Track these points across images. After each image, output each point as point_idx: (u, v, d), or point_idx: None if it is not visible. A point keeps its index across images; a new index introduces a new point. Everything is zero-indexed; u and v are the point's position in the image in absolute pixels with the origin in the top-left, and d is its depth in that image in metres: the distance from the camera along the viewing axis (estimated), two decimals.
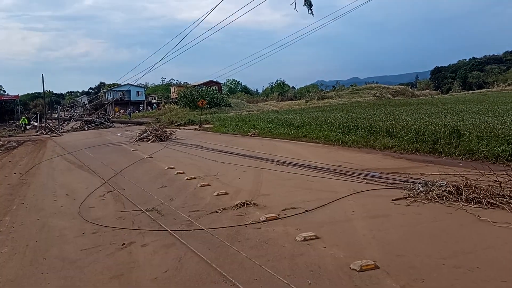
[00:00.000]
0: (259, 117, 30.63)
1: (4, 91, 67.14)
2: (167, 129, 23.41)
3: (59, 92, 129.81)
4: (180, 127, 32.26)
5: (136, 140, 21.02)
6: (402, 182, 8.14)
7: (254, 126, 24.85)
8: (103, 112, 48.80)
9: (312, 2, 11.72)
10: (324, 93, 61.16)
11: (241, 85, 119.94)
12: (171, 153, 15.97)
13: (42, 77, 43.61)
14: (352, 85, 68.57)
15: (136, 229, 6.21)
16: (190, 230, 5.99)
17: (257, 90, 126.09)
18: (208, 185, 9.16)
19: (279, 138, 19.50)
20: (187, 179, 9.99)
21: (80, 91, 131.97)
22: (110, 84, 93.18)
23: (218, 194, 8.13)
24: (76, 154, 17.46)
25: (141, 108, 74.84)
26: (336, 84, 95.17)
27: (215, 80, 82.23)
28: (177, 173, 10.86)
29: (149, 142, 20.43)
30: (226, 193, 8.20)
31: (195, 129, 29.52)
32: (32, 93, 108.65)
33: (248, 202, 7.23)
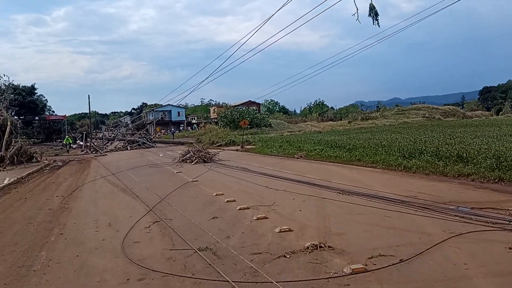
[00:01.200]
0: (303, 138, 29.35)
1: (53, 111, 69.66)
2: (210, 150, 22.57)
3: (104, 113, 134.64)
4: (221, 148, 31.50)
5: (179, 161, 20.28)
6: (508, 222, 6.61)
7: (300, 148, 23.61)
8: (145, 132, 49.15)
9: (378, 12, 10.49)
10: (368, 113, 59.11)
11: (279, 105, 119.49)
12: (216, 176, 14.97)
13: (88, 97, 44.75)
14: (397, 105, 66.10)
15: (191, 277, 5.09)
16: (257, 283, 4.80)
17: (294, 110, 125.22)
18: (265, 217, 7.98)
19: (329, 162, 18.13)
20: (240, 209, 8.86)
21: (123, 111, 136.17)
22: (152, 104, 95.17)
23: (280, 231, 6.92)
24: (119, 175, 16.86)
25: (181, 128, 75.42)
26: (378, 105, 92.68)
27: (254, 100, 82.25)
28: (228, 201, 9.77)
29: (192, 163, 19.63)
30: (290, 230, 6.98)
31: (237, 150, 28.62)
32: (79, 113, 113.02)
33: (322, 244, 5.97)
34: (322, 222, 7.48)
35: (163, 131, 71.10)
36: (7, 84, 26.56)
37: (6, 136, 23.21)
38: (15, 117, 25.64)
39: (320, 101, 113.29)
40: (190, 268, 5.46)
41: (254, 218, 7.96)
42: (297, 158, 20.78)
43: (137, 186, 13.47)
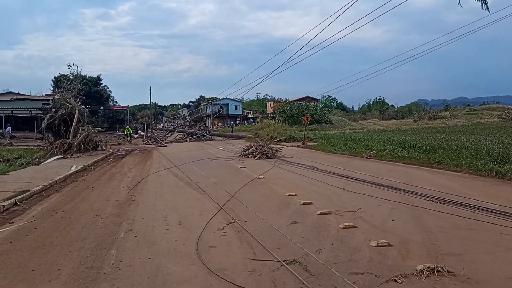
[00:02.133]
0: (369, 137, 27.67)
1: (116, 101, 72.57)
2: (272, 146, 21.72)
3: (163, 104, 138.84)
4: (281, 143, 30.61)
5: (242, 156, 19.64)
6: None
7: (368, 146, 22.12)
8: (203, 124, 49.46)
9: None
10: (436, 112, 55.40)
11: (337, 101, 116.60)
12: (284, 174, 14.07)
13: (150, 89, 45.53)
14: (468, 105, 61.56)
15: None
16: None
17: (352, 107, 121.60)
18: (353, 226, 6.94)
19: (404, 163, 16.62)
20: (321, 213, 7.88)
21: (181, 103, 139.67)
22: (209, 97, 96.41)
23: (378, 245, 5.86)
24: (182, 168, 16.50)
25: (237, 122, 75.56)
26: (445, 104, 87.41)
27: (312, 96, 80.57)
28: (304, 204, 8.82)
29: (255, 159, 18.90)
30: (389, 245, 5.90)
31: (298, 146, 27.57)
32: (139, 105, 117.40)
33: (439, 268, 4.85)
34: (426, 237, 6.31)
35: (219, 124, 71.55)
36: (75, 73, 27.33)
37: (74, 124, 23.84)
38: (82, 106, 26.25)
39: (380, 99, 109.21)
40: (280, 286, 4.58)
41: (341, 226, 6.94)
42: (366, 157, 19.39)
43: (202, 180, 12.91)
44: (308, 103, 56.29)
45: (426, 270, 4.82)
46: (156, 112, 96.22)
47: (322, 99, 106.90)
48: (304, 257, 5.43)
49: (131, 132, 43.30)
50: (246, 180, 12.64)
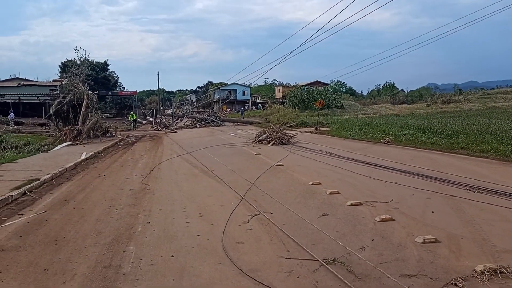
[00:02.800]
0: (384, 122, 26.94)
1: (123, 87, 71.94)
2: (286, 131, 21.08)
3: (170, 90, 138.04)
4: (292, 129, 29.93)
5: (256, 142, 19.05)
6: None
7: (385, 132, 21.41)
8: (211, 110, 48.82)
9: None
10: (450, 96, 54.18)
11: (346, 86, 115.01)
12: (302, 161, 13.47)
13: (158, 74, 44.89)
14: (482, 89, 60.20)
15: None
16: None
17: (362, 92, 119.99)
18: (391, 219, 6.35)
19: (425, 149, 15.95)
20: (352, 204, 7.29)
21: (189, 89, 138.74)
22: (217, 83, 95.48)
23: (424, 242, 5.27)
24: (195, 154, 15.97)
25: (246, 107, 74.76)
26: (455, 88, 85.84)
27: (321, 81, 79.30)
28: (331, 193, 8.24)
29: (269, 145, 18.31)
30: (437, 241, 5.32)
31: (311, 132, 26.87)
32: (146, 90, 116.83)
33: (502, 269, 4.27)
34: (474, 231, 5.71)
35: (228, 109, 70.81)
36: (83, 58, 26.72)
37: (82, 110, 23.35)
38: (90, 91, 25.70)
39: (390, 83, 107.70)
40: None
41: (377, 219, 6.35)
42: (384, 143, 18.71)
43: (218, 167, 12.37)
44: (319, 87, 55.27)
45: (488, 272, 4.24)
46: (163, 98, 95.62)
47: (332, 84, 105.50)
48: (346, 256, 4.86)
49: (135, 118, 42.44)
50: (263, 167, 12.08)
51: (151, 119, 46.60)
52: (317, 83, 74.35)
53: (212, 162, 13.68)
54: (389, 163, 12.34)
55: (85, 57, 25.69)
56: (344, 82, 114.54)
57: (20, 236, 6.08)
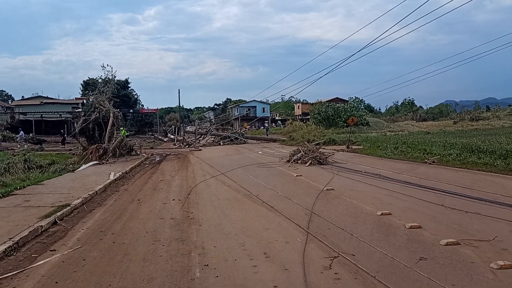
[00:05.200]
0: (420, 140, 25.45)
1: (142, 105, 72.03)
2: (322, 150, 19.86)
3: (188, 107, 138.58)
4: (321, 147, 28.65)
5: (292, 162, 17.87)
6: None
7: (426, 151, 20.00)
8: (233, 127, 47.96)
9: None
10: (477, 113, 52.31)
11: (364, 103, 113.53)
12: (352, 184, 12.21)
13: (179, 92, 44.72)
14: (509, 105, 58.17)
15: None
16: None
17: (379, 109, 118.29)
18: (510, 266, 5.07)
19: (477, 170, 14.59)
20: (448, 244, 6.03)
21: (206, 106, 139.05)
22: (236, 100, 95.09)
23: None
24: (230, 175, 14.87)
25: (266, 124, 73.89)
26: (475, 104, 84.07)
27: (341, 97, 78.10)
28: (412, 227, 6.99)
29: (307, 165, 17.10)
30: None
31: (342, 150, 25.58)
32: (165, 108, 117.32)
33: None
34: None
35: (248, 126, 70.00)
36: (109, 76, 26.13)
37: (108, 128, 22.62)
38: (116, 109, 25.02)
39: (409, 100, 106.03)
40: None
41: (494, 266, 5.08)
42: (429, 163, 17.32)
43: (261, 191, 11.22)
44: (341, 104, 54.01)
45: None
46: (183, 115, 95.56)
47: (350, 101, 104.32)
48: None
49: (127, 134, 40.84)
50: (311, 191, 10.89)
51: (172, 136, 45.93)
52: (337, 99, 73.14)
53: (251, 184, 12.56)
54: (451, 187, 11.02)
55: (112, 75, 25.00)
56: (362, 99, 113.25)
57: (56, 282, 5.02)
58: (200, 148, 32.69)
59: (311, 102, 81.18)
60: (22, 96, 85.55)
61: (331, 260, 5.52)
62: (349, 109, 45.07)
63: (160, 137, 48.58)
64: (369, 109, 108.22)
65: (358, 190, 11.11)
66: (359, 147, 26.94)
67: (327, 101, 64.02)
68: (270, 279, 4.94)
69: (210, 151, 29.40)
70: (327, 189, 11.10)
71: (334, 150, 26.06)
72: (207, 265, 5.50)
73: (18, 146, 30.86)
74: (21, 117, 56.85)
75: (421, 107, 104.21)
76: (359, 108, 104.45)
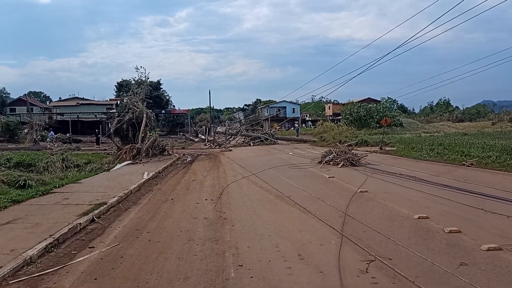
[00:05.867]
0: (458, 141, 24.60)
1: (174, 105, 73.35)
2: (355, 152, 19.54)
3: (218, 108, 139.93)
4: (353, 148, 28.20)
5: (323, 163, 17.68)
6: None
7: (464, 153, 19.30)
8: (263, 128, 48.04)
9: None
10: None
11: (397, 103, 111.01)
12: (387, 186, 11.94)
13: (209, 93, 44.87)
14: None
15: None
16: None
17: (413, 109, 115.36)
18: None
19: None
20: (489, 249, 5.77)
21: (236, 107, 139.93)
22: (266, 100, 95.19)
23: None
24: (261, 175, 14.87)
25: (296, 125, 73.58)
26: None
27: (373, 97, 76.76)
28: (451, 231, 6.75)
29: (339, 166, 16.88)
30: None
31: (375, 152, 25.07)
32: (195, 108, 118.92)
33: None
34: None
35: (278, 127, 69.94)
36: (143, 77, 26.71)
37: (142, 128, 23.11)
38: (149, 110, 25.55)
39: (445, 100, 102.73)
40: None
41: None
42: (468, 166, 16.71)
43: (293, 192, 11.15)
44: (374, 104, 52.98)
45: None
46: (213, 115, 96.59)
47: (383, 101, 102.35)
48: None
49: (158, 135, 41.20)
50: (344, 193, 10.73)
51: (203, 136, 46.48)
52: (369, 100, 71.96)
53: (283, 185, 12.50)
54: (491, 190, 10.59)
55: (145, 76, 25.59)
56: (395, 99, 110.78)
57: (95, 279, 5.15)
58: (230, 148, 32.91)
59: (342, 103, 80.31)
60: (59, 98, 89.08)
61: (367, 263, 5.41)
62: (381, 110, 44.15)
63: (191, 137, 49.26)
64: (402, 109, 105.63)
65: (392, 192, 10.86)
66: (393, 148, 26.35)
67: (358, 101, 63.05)
68: (305, 281, 4.88)
69: (240, 152, 29.55)
70: (360, 191, 10.90)
71: (367, 151, 25.59)
72: (242, 265, 5.50)
73: (48, 146, 31.85)
74: (59, 117, 59.08)
75: (457, 107, 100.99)
76: (392, 109, 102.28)
